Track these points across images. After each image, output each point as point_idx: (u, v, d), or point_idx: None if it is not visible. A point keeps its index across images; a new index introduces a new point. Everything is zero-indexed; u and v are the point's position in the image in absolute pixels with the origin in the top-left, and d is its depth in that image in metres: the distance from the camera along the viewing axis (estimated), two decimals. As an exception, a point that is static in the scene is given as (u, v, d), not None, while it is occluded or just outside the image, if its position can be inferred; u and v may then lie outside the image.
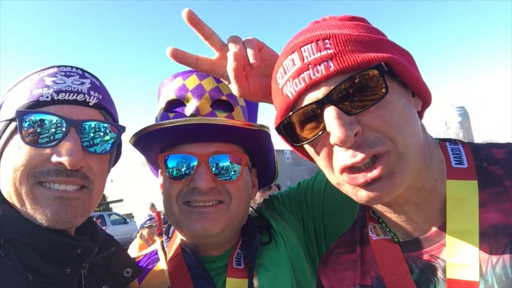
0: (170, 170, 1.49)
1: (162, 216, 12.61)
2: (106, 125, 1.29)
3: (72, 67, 1.32)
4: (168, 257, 1.64)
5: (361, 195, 1.07)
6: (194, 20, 1.29)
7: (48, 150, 1.17)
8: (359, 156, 1.01)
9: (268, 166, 1.75)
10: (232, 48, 1.30)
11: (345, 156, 1.04)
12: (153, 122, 1.64)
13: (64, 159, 1.15)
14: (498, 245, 1.00)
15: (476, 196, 1.08)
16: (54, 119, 1.18)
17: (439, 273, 1.08)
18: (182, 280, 1.52)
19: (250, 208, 1.76)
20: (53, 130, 1.17)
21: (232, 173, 1.49)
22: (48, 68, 1.29)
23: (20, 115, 1.16)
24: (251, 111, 1.69)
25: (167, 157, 1.50)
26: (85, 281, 1.31)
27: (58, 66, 1.30)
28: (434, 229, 1.13)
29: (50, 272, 1.18)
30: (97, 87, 1.32)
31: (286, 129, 1.16)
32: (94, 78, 1.36)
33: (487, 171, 1.12)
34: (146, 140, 1.52)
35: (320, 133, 1.07)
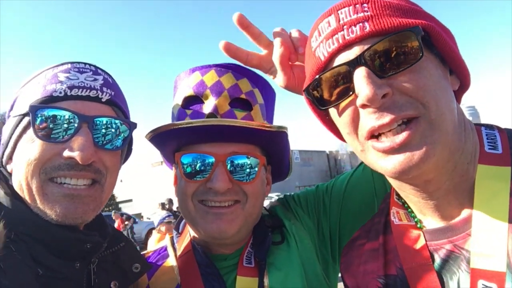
0: (187, 169, 1.47)
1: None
2: (117, 121, 1.30)
3: (85, 63, 1.33)
4: (178, 253, 1.63)
5: (386, 164, 1.02)
6: (244, 23, 1.41)
7: (60, 145, 1.18)
8: (387, 117, 0.97)
9: (283, 164, 1.74)
10: (278, 38, 1.36)
11: (371, 118, 1.00)
12: (168, 116, 1.64)
13: (76, 154, 1.16)
14: None
15: (508, 183, 1.01)
16: (67, 114, 1.19)
17: (463, 265, 1.02)
18: (192, 278, 1.51)
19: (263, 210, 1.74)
20: (65, 125, 1.19)
21: (249, 173, 1.47)
22: (62, 64, 1.30)
23: (34, 110, 1.17)
24: (269, 108, 1.66)
25: (183, 156, 1.48)
26: (94, 276, 1.31)
27: (72, 63, 1.31)
28: (460, 217, 1.07)
29: (59, 267, 1.17)
30: (110, 83, 1.33)
31: (314, 91, 1.13)
32: (107, 74, 1.37)
33: None
34: (162, 137, 1.51)
35: (349, 95, 1.04)
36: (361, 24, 1.00)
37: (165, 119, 1.62)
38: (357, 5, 1.04)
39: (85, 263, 1.27)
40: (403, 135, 0.97)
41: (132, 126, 1.36)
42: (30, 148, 1.17)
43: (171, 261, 1.62)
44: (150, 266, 1.54)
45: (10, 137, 1.24)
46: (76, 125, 1.19)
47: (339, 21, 1.04)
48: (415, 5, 1.11)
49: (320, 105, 1.14)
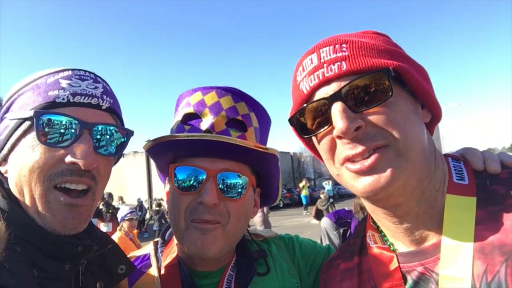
0: (179, 181, 1.52)
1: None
2: (116, 128, 1.33)
3: (85, 71, 1.35)
4: (163, 263, 1.66)
5: (357, 185, 1.14)
6: None
7: (62, 151, 1.20)
8: (360, 148, 1.09)
9: (272, 188, 1.80)
10: None
11: (346, 148, 1.12)
12: (167, 131, 1.68)
13: (79, 160, 1.19)
14: (494, 262, 1.02)
15: (474, 212, 1.11)
16: (70, 120, 1.21)
17: (432, 286, 1.11)
18: None
19: (246, 232, 1.80)
20: (68, 131, 1.21)
21: (238, 191, 1.52)
22: (63, 70, 1.31)
23: (37, 115, 1.18)
24: (263, 133, 1.73)
25: (177, 168, 1.54)
26: (82, 277, 1.34)
27: (72, 70, 1.32)
28: (431, 242, 1.17)
29: (51, 268, 1.21)
30: (109, 91, 1.36)
31: (297, 121, 1.25)
32: (105, 83, 1.39)
33: (489, 190, 1.15)
34: (159, 149, 1.57)
35: (327, 126, 1.16)
36: (339, 63, 1.13)
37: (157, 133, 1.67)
38: (336, 45, 1.16)
39: (74, 265, 1.30)
40: (371, 159, 1.09)
41: (129, 133, 1.40)
42: (32, 154, 1.18)
43: (153, 272, 1.64)
44: (134, 267, 1.58)
45: (7, 140, 1.24)
46: (78, 131, 1.21)
47: (320, 59, 1.17)
48: (393, 45, 1.24)
49: (303, 134, 1.26)
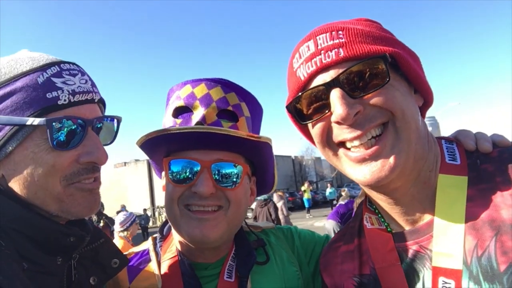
0: (174, 173, 1.54)
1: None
2: (111, 119, 1.39)
3: (68, 63, 1.33)
4: (162, 258, 1.67)
5: (357, 174, 1.16)
6: None
7: (73, 151, 1.24)
8: (358, 131, 1.12)
9: (267, 176, 1.81)
10: None
11: (344, 132, 1.14)
12: (159, 125, 1.69)
13: (95, 158, 1.26)
14: (484, 237, 1.06)
15: (465, 191, 1.15)
16: (78, 121, 1.24)
17: (427, 263, 1.15)
18: (174, 287, 1.56)
19: (244, 224, 1.82)
20: (77, 132, 1.24)
21: (233, 180, 1.53)
22: (48, 66, 1.26)
23: (50, 123, 1.18)
24: (255, 122, 1.74)
25: (171, 161, 1.55)
26: (75, 271, 1.34)
27: (57, 63, 1.29)
28: (424, 221, 1.20)
29: (43, 261, 1.20)
30: (94, 82, 1.37)
31: (295, 108, 1.26)
32: (86, 72, 1.38)
33: (480, 168, 1.18)
34: (152, 143, 1.58)
35: (325, 111, 1.17)
36: (336, 49, 1.14)
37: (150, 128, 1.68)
38: (333, 32, 1.17)
39: (67, 258, 1.30)
40: (373, 148, 1.11)
41: (119, 120, 1.44)
42: (46, 158, 1.19)
43: (153, 266, 1.65)
44: (128, 260, 1.58)
45: (4, 145, 1.19)
46: (84, 129, 1.25)
47: (317, 46, 1.18)
48: (386, 32, 1.26)
49: (300, 120, 1.27)
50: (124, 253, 1.71)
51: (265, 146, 1.60)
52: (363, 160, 1.14)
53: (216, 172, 1.50)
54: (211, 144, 1.51)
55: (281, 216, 14.51)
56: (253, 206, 15.10)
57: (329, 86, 1.14)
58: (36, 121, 1.18)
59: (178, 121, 1.60)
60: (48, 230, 1.21)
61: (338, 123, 1.14)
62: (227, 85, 1.65)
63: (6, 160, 1.21)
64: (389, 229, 1.31)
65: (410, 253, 1.20)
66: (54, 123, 1.19)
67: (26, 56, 1.30)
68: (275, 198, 14.98)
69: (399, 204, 1.23)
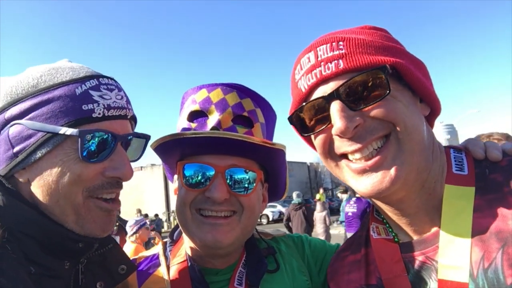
0: (187, 177, 1.54)
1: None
2: (141, 136, 1.42)
3: (107, 77, 1.35)
4: (172, 262, 1.67)
5: (358, 185, 1.16)
6: None
7: (100, 164, 1.25)
8: (358, 144, 1.11)
9: (280, 182, 1.81)
10: None
11: (345, 145, 1.13)
12: (173, 128, 1.70)
13: (120, 174, 1.28)
14: (490, 249, 1.03)
15: (472, 202, 1.12)
16: (109, 135, 1.26)
17: (433, 274, 1.12)
18: None
19: (255, 231, 1.82)
20: (107, 145, 1.26)
21: (247, 186, 1.53)
22: (87, 78, 1.29)
23: (83, 135, 1.20)
24: (269, 128, 1.74)
25: (185, 165, 1.55)
26: (82, 276, 1.34)
27: (97, 77, 1.31)
28: (431, 231, 1.18)
29: (50, 265, 1.21)
30: (128, 99, 1.39)
31: (297, 119, 1.27)
32: (123, 88, 1.41)
33: (488, 178, 1.16)
34: (167, 147, 1.58)
35: (326, 124, 1.17)
36: (336, 61, 1.14)
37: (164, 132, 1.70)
38: (333, 43, 1.17)
39: (74, 263, 1.31)
40: (374, 160, 1.10)
41: (148, 139, 1.47)
42: (73, 168, 1.21)
43: (163, 271, 1.65)
44: (136, 267, 1.58)
45: (34, 151, 1.21)
46: (114, 144, 1.27)
47: (318, 57, 1.18)
48: (390, 40, 1.24)
49: (303, 132, 1.28)
50: (134, 257, 1.75)
51: (279, 153, 1.60)
52: (364, 172, 1.13)
53: (230, 177, 1.51)
54: (226, 149, 1.51)
55: (321, 225, 14.61)
56: (284, 209, 15.23)
57: (329, 98, 1.13)
58: (69, 131, 1.20)
59: (193, 125, 1.61)
60: (58, 235, 1.23)
61: (338, 135, 1.14)
62: (242, 91, 1.65)
63: (34, 165, 1.23)
64: (396, 239, 1.29)
65: (417, 264, 1.18)
66: (86, 135, 1.21)
67: (66, 66, 1.33)
68: (318, 207, 15.08)
69: (405, 214, 1.22)
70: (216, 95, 1.62)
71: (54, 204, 1.22)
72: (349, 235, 12.06)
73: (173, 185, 1.72)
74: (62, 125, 1.20)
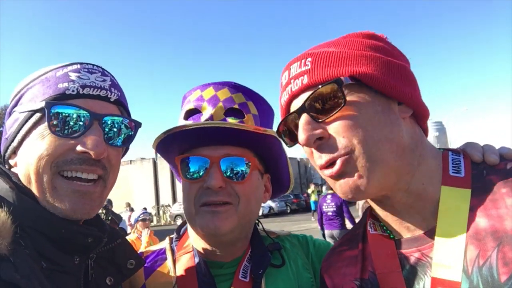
0: (186, 171, 1.61)
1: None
2: (125, 120, 1.37)
3: (93, 64, 1.38)
4: (177, 254, 1.71)
5: (336, 188, 1.22)
6: None
7: (72, 141, 1.22)
8: (324, 159, 1.17)
9: (282, 174, 1.85)
10: None
11: (316, 158, 1.20)
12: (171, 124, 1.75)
13: (90, 149, 1.21)
14: (486, 248, 1.06)
15: (468, 203, 1.15)
16: (80, 111, 1.23)
17: (428, 271, 1.15)
18: (188, 285, 1.59)
19: (260, 227, 1.87)
20: (78, 122, 1.23)
21: (241, 174, 1.59)
22: (71, 64, 1.34)
23: (49, 106, 1.20)
24: (264, 120, 1.78)
25: (182, 159, 1.62)
26: (92, 271, 1.35)
27: (81, 63, 1.35)
28: (427, 229, 1.21)
29: (61, 261, 1.21)
30: (116, 85, 1.40)
31: (281, 133, 1.34)
32: (113, 76, 1.42)
33: (485, 179, 1.19)
34: (164, 145, 1.65)
35: None
36: (302, 77, 1.21)
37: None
38: (303, 60, 1.24)
39: (84, 258, 1.31)
40: (335, 168, 1.15)
41: (137, 125, 1.43)
42: (42, 143, 1.20)
43: (169, 264, 1.69)
44: (144, 262, 1.60)
45: (18, 132, 1.26)
46: (88, 122, 1.24)
47: (290, 75, 1.26)
48: (370, 48, 1.24)
49: (287, 144, 1.36)
50: (141, 251, 1.79)
51: (273, 140, 1.63)
52: (332, 177, 1.18)
53: (225, 166, 1.56)
54: (220, 140, 1.57)
55: None
56: (273, 204, 15.02)
57: (299, 112, 1.21)
58: (38, 105, 1.21)
59: (189, 122, 1.65)
60: (67, 231, 1.22)
61: (305, 146, 1.20)
62: (233, 87, 1.72)
63: (20, 148, 1.27)
64: (391, 236, 1.32)
65: (412, 260, 1.20)
66: (52, 108, 1.21)
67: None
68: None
69: (396, 212, 1.25)
70: (208, 93, 1.70)
71: (28, 183, 1.23)
72: (328, 232, 12.21)
73: (179, 184, 1.77)
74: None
